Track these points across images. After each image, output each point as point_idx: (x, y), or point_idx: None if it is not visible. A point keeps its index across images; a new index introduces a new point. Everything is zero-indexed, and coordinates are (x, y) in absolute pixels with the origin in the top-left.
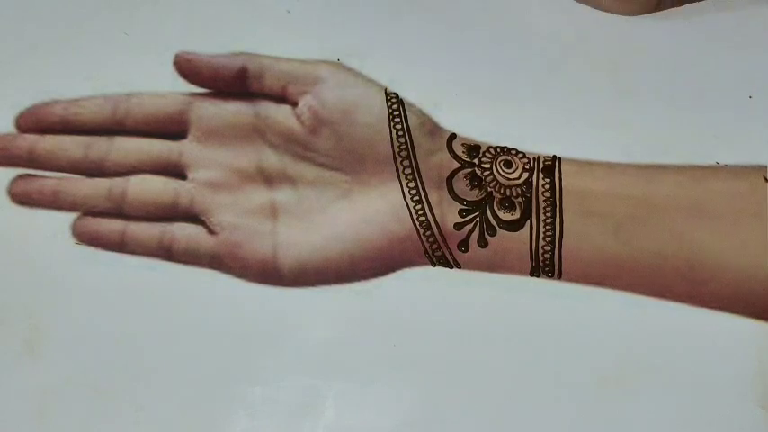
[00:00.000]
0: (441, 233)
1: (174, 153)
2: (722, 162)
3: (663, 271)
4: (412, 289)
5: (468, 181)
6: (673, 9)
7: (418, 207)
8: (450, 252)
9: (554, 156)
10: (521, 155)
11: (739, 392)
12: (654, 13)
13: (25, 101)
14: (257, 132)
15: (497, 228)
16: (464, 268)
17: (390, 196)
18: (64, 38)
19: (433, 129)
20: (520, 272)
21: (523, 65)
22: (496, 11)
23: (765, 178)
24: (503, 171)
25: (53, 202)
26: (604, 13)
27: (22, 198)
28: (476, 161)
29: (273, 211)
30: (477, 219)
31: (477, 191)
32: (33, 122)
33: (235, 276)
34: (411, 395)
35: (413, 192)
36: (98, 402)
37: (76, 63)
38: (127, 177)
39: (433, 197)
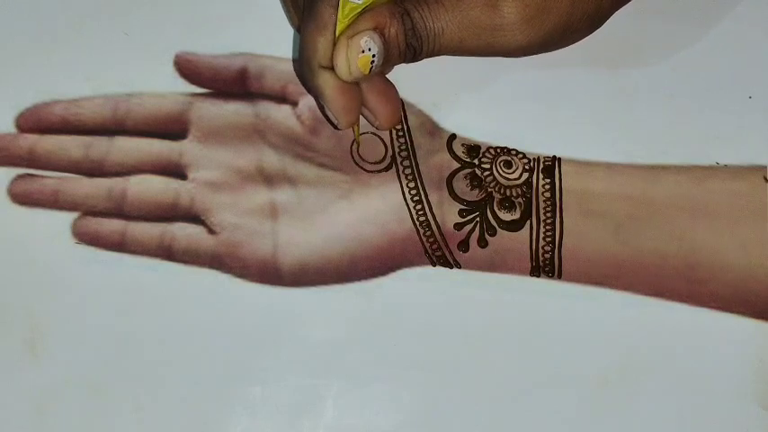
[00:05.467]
0: (441, 233)
1: (174, 153)
2: (722, 162)
3: (663, 271)
4: (412, 289)
5: (468, 181)
6: (672, 8)
7: (418, 207)
8: (451, 252)
9: (554, 156)
10: (521, 155)
11: (739, 392)
12: (653, 14)
13: (25, 101)
14: (257, 132)
15: (497, 228)
16: (464, 268)
17: (390, 196)
18: (64, 38)
19: (433, 129)
20: (520, 272)
21: (524, 65)
22: None
23: (765, 178)
24: (503, 171)
25: (53, 202)
26: None
27: (22, 198)
28: (476, 161)
29: (273, 211)
30: (478, 219)
31: (477, 191)
32: (34, 122)
33: (235, 276)
34: (411, 395)
35: (413, 192)
36: (98, 402)
37: (76, 63)
38: (127, 177)
39: (433, 197)
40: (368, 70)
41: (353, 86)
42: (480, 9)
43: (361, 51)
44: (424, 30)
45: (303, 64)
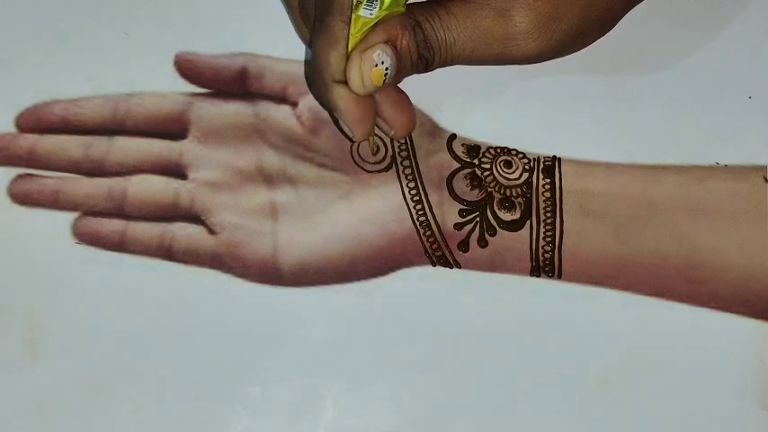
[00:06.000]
0: (441, 233)
1: (174, 153)
2: (722, 162)
3: (663, 271)
4: (412, 289)
5: (468, 181)
6: (672, 9)
7: (418, 207)
8: (451, 252)
9: (554, 156)
10: (521, 155)
11: (739, 392)
12: (654, 15)
13: (25, 101)
14: (257, 132)
15: (497, 228)
16: (464, 268)
17: (390, 196)
18: (64, 38)
19: (433, 129)
20: (520, 272)
21: (524, 65)
22: None
23: (765, 178)
24: (503, 171)
25: (53, 202)
26: None
27: (22, 198)
28: (476, 161)
29: (273, 211)
30: (478, 219)
31: (477, 191)
32: (34, 122)
33: (235, 276)
34: (411, 395)
35: (413, 192)
36: (98, 402)
37: (76, 63)
38: (127, 177)
39: (433, 197)
40: (381, 83)
41: (367, 98)
42: (492, 19)
43: (375, 65)
44: (436, 41)
45: (316, 78)
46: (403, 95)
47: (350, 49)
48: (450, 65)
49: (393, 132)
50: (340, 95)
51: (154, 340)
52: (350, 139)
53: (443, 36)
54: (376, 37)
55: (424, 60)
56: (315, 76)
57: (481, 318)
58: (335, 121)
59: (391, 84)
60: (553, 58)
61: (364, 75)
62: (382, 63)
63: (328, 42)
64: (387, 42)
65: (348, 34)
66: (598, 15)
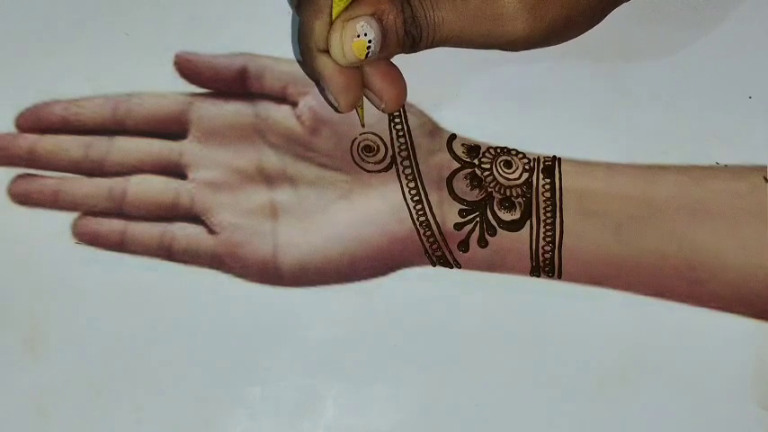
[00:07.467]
0: (441, 233)
1: (174, 153)
2: (722, 162)
3: (663, 271)
4: (412, 289)
5: (468, 181)
6: (672, 8)
7: (418, 207)
8: (451, 252)
9: (554, 156)
10: (521, 155)
11: (739, 392)
12: (654, 14)
13: (25, 101)
14: (257, 132)
15: (497, 228)
16: (464, 268)
17: (390, 196)
18: (64, 38)
19: (433, 129)
20: (520, 272)
21: (524, 64)
22: None
23: (765, 178)
24: (503, 171)
25: (53, 202)
26: None
27: (22, 198)
28: (476, 161)
29: (273, 211)
30: (478, 219)
31: (477, 191)
32: (34, 122)
33: (235, 276)
34: (411, 395)
35: (413, 192)
36: (98, 402)
37: (77, 63)
38: (127, 177)
39: (433, 197)
40: (364, 56)
41: (353, 68)
42: None
43: (356, 36)
44: (424, 18)
45: (301, 46)
46: (393, 68)
47: (333, 17)
48: (438, 45)
49: (383, 106)
50: (324, 63)
51: (154, 340)
52: (336, 110)
53: (432, 14)
54: (361, 8)
55: (411, 38)
56: (300, 43)
57: (481, 318)
58: (322, 92)
59: (377, 59)
60: (542, 44)
61: (345, 44)
62: (365, 35)
63: (313, 10)
64: (372, 15)
65: (332, 2)
66: (588, 3)
